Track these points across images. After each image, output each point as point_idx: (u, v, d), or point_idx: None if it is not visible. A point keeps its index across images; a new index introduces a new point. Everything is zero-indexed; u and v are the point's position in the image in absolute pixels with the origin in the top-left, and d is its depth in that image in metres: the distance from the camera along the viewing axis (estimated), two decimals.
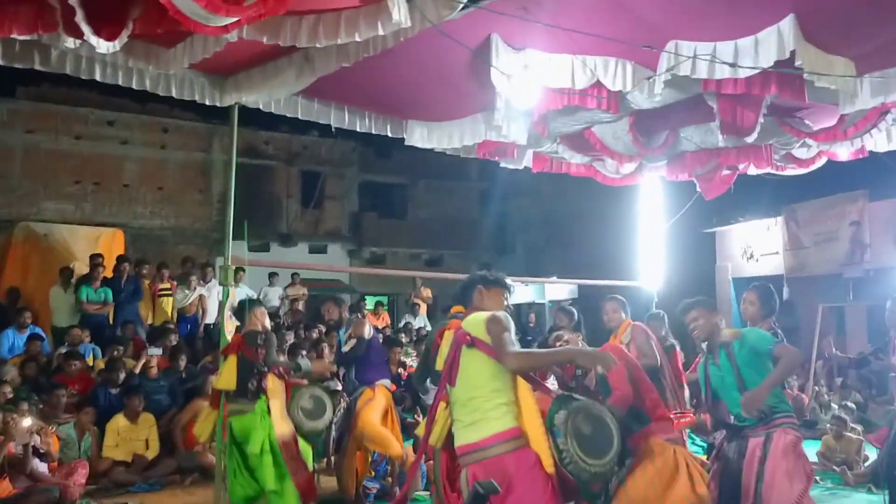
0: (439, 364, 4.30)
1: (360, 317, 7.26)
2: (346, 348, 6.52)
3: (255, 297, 12.45)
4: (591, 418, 3.19)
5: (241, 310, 6.02)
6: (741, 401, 4.33)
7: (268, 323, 5.99)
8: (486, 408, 3.17)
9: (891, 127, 6.84)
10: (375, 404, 6.21)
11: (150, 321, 11.08)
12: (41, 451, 6.39)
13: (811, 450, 8.40)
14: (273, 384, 5.56)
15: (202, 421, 5.82)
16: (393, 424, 6.43)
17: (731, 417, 4.43)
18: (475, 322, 3.36)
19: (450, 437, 3.65)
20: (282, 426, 5.52)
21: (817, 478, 7.58)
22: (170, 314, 11.14)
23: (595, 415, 3.23)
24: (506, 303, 3.72)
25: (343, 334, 6.76)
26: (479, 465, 3.08)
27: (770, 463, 4.21)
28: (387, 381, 6.34)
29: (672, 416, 4.76)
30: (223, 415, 5.53)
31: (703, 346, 4.79)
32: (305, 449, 5.81)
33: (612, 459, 3.19)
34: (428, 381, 5.25)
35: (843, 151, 7.44)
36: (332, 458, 7.67)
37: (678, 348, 6.68)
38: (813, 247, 13.69)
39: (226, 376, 5.52)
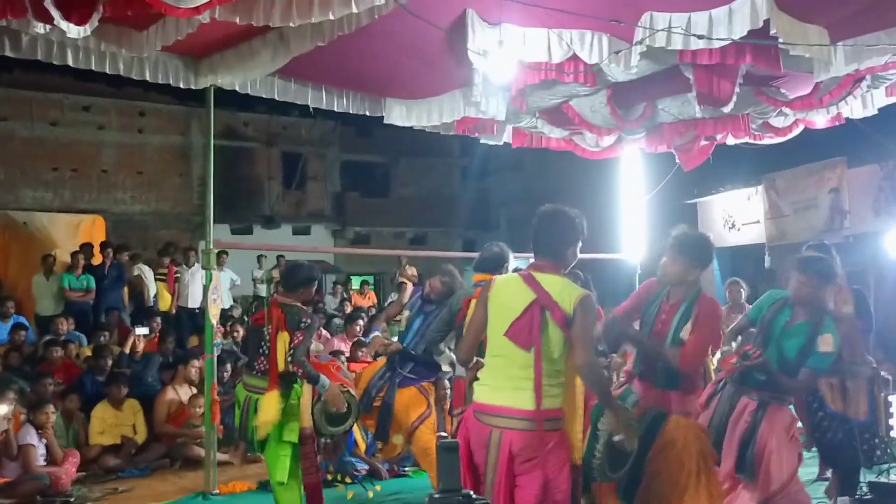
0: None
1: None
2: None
3: (238, 281, 12.45)
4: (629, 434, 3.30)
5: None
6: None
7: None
8: (544, 382, 3.13)
9: (866, 94, 6.89)
10: (429, 421, 5.38)
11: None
12: (43, 441, 6.46)
13: None
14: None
15: (268, 407, 4.73)
16: None
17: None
18: (565, 294, 3.19)
19: None
20: (308, 419, 4.93)
21: None
22: (170, 299, 11.13)
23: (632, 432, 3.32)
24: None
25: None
26: (518, 433, 3.08)
27: (763, 434, 4.12)
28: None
29: None
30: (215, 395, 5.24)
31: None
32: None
33: (624, 471, 3.41)
34: (441, 344, 5.26)
35: (820, 119, 7.50)
36: None
37: None
38: (793, 214, 13.77)
39: (283, 356, 4.75)
